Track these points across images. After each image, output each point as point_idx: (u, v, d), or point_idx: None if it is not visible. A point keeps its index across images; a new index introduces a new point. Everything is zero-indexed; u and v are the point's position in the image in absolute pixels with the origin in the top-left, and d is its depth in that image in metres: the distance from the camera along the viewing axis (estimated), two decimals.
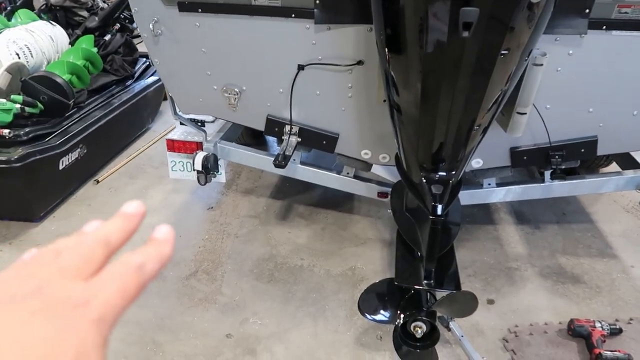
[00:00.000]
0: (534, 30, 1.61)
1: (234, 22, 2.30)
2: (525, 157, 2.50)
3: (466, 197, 2.73)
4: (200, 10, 2.30)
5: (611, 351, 2.13)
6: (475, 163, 2.56)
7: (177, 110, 2.80)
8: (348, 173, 2.81)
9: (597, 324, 2.27)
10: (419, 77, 1.67)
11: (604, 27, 2.08)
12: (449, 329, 2.36)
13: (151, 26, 2.37)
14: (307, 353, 2.26)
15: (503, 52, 1.56)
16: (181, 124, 2.95)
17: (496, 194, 2.75)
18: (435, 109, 1.69)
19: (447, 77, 1.61)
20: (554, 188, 2.69)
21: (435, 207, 1.78)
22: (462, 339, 2.30)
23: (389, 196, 2.58)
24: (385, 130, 2.37)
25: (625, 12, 2.06)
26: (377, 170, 3.14)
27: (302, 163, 2.84)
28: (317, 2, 2.16)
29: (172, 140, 2.94)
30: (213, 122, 3.06)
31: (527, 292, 2.62)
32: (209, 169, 2.84)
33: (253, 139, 3.73)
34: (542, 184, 2.69)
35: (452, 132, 1.73)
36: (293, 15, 2.23)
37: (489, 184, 2.74)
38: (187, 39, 2.40)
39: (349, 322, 2.42)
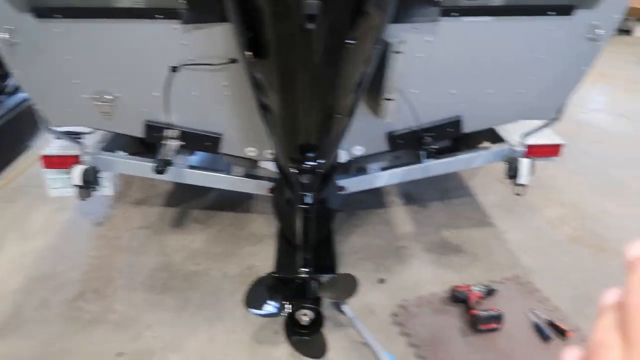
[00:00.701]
0: (378, 20, 1.71)
1: (96, 25, 2.19)
2: (400, 141, 2.64)
3: (355, 183, 2.83)
4: (59, 15, 2.16)
5: (485, 310, 2.32)
6: (357, 151, 2.66)
7: (48, 123, 2.62)
8: (237, 172, 2.80)
9: (474, 288, 2.46)
10: (274, 73, 1.70)
11: (454, 13, 2.24)
12: (343, 312, 2.44)
13: (5, 35, 2.19)
14: (203, 358, 2.23)
15: (350, 41, 1.64)
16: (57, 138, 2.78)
17: (381, 178, 2.88)
18: (294, 101, 1.73)
19: (300, 69, 1.65)
20: (431, 167, 2.87)
21: (304, 196, 1.83)
22: (354, 319, 2.38)
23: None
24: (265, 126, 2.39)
25: None
26: (269, 166, 3.17)
27: (190, 167, 2.78)
28: (182, 1, 2.12)
29: (47, 156, 2.75)
30: (91, 133, 2.91)
31: (414, 268, 2.77)
32: (89, 183, 2.69)
33: (143, 147, 3.59)
34: (420, 165, 2.85)
35: (313, 122, 1.78)
36: (158, 16, 2.17)
37: (374, 169, 2.86)
38: (48, 47, 2.25)
39: (245, 321, 2.41)
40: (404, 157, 3.16)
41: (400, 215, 3.26)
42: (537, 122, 2.85)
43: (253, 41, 1.71)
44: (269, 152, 2.63)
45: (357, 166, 2.93)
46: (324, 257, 2.04)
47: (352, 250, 2.93)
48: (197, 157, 3.36)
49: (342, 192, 2.84)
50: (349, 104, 1.85)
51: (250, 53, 1.75)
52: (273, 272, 1.98)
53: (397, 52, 2.16)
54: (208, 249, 2.95)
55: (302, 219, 1.81)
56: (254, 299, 2.02)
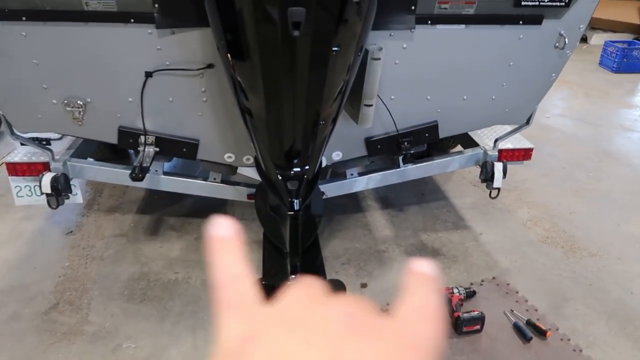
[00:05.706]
0: (362, 27, 1.72)
1: (66, 29, 2.12)
2: (379, 146, 2.67)
3: (334, 188, 2.84)
4: (24, 18, 2.08)
5: (467, 312, 2.37)
6: (336, 156, 2.67)
7: (14, 130, 2.52)
8: (215, 179, 2.76)
9: (455, 290, 2.51)
10: (259, 79, 1.69)
11: (429, 21, 2.28)
12: None
13: None
14: None
15: (334, 48, 1.64)
16: (22, 144, 2.67)
17: (359, 183, 2.90)
18: (279, 107, 1.72)
19: (286, 76, 1.64)
20: (408, 172, 2.91)
21: (292, 203, 1.82)
22: None
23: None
24: (247, 132, 2.37)
25: (445, 8, 2.28)
26: (246, 172, 3.13)
27: (165, 173, 2.73)
28: (156, 5, 2.07)
29: (13, 164, 2.64)
30: (60, 139, 2.81)
31: (395, 271, 2.80)
32: (59, 191, 2.60)
33: (113, 153, 3.49)
34: (397, 170, 2.88)
35: (298, 128, 1.78)
36: (132, 20, 2.12)
37: (352, 174, 2.87)
38: (14, 51, 2.16)
39: None
40: (377, 162, 3.19)
41: (378, 219, 3.29)
42: (508, 127, 2.94)
43: (235, 44, 1.69)
44: (247, 158, 2.61)
45: (334, 171, 2.95)
46: (312, 263, 2.03)
47: (334, 255, 2.93)
48: (170, 163, 3.29)
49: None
50: (334, 110, 1.86)
51: (232, 55, 1.73)
52: (261, 279, 1.95)
53: (376, 59, 2.17)
54: (186, 257, 2.90)
55: (290, 226, 1.81)
56: None
